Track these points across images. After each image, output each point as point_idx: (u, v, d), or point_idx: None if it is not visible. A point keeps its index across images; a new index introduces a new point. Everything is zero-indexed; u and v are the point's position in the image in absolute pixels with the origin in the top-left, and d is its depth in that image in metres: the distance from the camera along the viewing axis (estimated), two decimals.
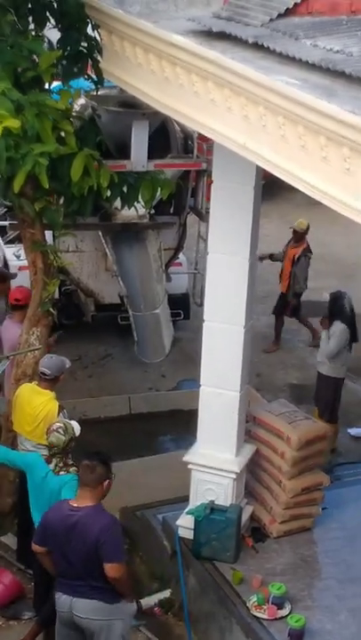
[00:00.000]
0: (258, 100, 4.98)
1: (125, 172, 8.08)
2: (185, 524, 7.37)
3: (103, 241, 10.96)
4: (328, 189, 4.63)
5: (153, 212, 10.91)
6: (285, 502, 7.45)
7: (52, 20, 7.11)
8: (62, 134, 6.90)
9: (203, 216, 10.96)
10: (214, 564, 7.19)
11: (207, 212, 9.92)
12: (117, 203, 8.02)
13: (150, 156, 9.80)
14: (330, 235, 15.80)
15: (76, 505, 5.88)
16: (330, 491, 7.76)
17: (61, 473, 6.47)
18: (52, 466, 6.52)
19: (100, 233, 10.97)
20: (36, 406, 7.31)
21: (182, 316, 11.93)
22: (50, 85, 7.10)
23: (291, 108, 4.70)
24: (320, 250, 15.10)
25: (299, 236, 12.07)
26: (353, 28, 5.35)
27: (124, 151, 9.72)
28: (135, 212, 9.32)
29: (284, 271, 12.09)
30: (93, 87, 7.55)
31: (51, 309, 7.88)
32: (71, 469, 6.45)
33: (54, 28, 7.16)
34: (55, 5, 7.01)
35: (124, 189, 7.57)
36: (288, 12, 5.56)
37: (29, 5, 6.97)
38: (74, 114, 7.55)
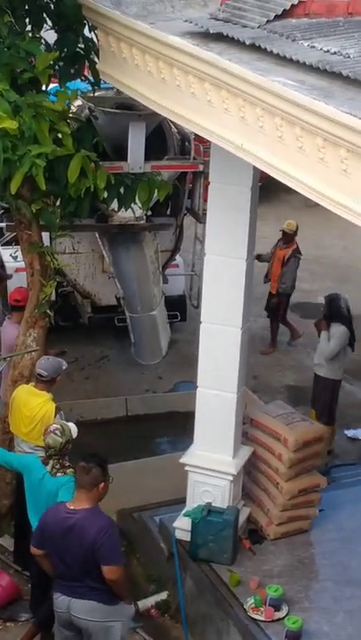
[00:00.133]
0: (255, 102, 4.98)
1: (122, 174, 8.08)
2: (182, 526, 7.37)
3: (100, 242, 10.95)
4: (325, 191, 4.63)
5: (150, 213, 10.91)
6: (282, 504, 7.45)
7: (49, 22, 7.12)
8: (59, 136, 6.90)
9: (200, 218, 10.95)
10: (211, 565, 7.18)
11: (204, 214, 9.92)
12: (114, 204, 8.00)
13: (147, 158, 9.79)
14: (326, 237, 15.83)
15: (72, 507, 5.87)
16: (327, 492, 7.75)
17: (58, 475, 6.46)
18: (48, 467, 6.51)
19: (97, 234, 10.96)
20: (33, 408, 7.30)
21: (179, 317, 11.93)
22: (47, 87, 7.10)
23: (288, 109, 4.71)
24: (316, 252, 15.15)
25: (288, 238, 12.08)
26: (350, 29, 5.35)
27: (120, 153, 9.71)
28: (132, 213, 9.34)
29: (274, 272, 12.09)
30: (90, 88, 7.57)
31: (48, 311, 7.88)
32: (68, 471, 6.44)
33: (51, 29, 7.17)
34: (52, 7, 7.03)
35: (121, 191, 7.58)
36: (285, 14, 5.55)
37: (26, 7, 6.98)
38: (71, 115, 7.54)
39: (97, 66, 7.02)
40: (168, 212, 11.52)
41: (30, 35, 6.98)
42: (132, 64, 6.32)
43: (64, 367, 7.52)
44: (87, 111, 9.96)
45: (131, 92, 6.58)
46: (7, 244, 12.04)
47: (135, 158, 9.64)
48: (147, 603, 7.44)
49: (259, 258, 12.15)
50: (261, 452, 7.58)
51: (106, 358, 11.90)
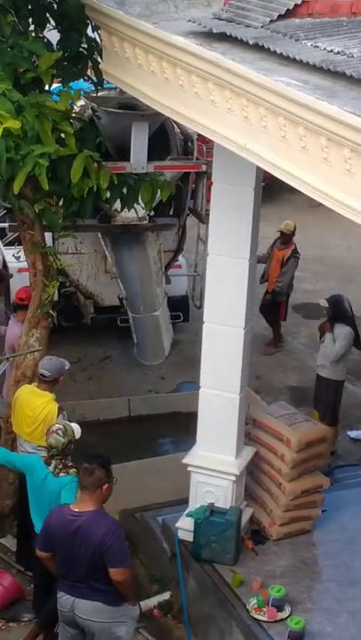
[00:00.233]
0: (258, 102, 4.98)
1: (125, 174, 8.08)
2: (185, 527, 7.36)
3: (103, 243, 10.95)
4: (329, 190, 4.62)
5: (152, 213, 10.91)
6: (285, 505, 7.44)
7: (53, 22, 7.11)
8: (62, 135, 6.90)
9: (202, 218, 10.96)
10: (214, 566, 7.17)
11: (207, 214, 9.93)
12: (117, 204, 8.00)
13: (150, 158, 9.79)
14: (330, 237, 15.83)
15: (77, 510, 5.83)
16: (330, 493, 7.74)
17: (61, 475, 6.45)
18: (51, 468, 6.51)
19: (100, 235, 10.97)
20: (36, 408, 7.30)
21: (182, 318, 11.92)
22: (50, 87, 7.09)
23: (291, 109, 4.70)
24: (319, 252, 15.14)
25: (286, 238, 12.08)
26: (353, 29, 5.35)
27: (123, 153, 9.71)
28: (135, 213, 9.32)
29: (272, 273, 12.07)
30: (93, 88, 7.57)
31: (50, 311, 7.88)
32: (70, 471, 6.44)
33: (54, 29, 7.17)
34: (55, 7, 7.02)
35: (124, 191, 7.57)
36: (288, 14, 5.55)
37: (30, 6, 6.98)
38: (74, 115, 7.54)
39: (100, 66, 7.02)
40: (171, 213, 11.53)
41: (33, 34, 6.98)
42: (136, 64, 6.31)
43: (67, 367, 7.51)
44: (90, 111, 9.98)
45: (134, 91, 6.58)
46: (10, 244, 12.06)
47: (138, 158, 9.64)
48: (149, 603, 7.43)
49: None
50: (264, 452, 7.57)
51: (108, 359, 11.89)
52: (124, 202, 7.68)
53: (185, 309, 11.98)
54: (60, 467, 6.48)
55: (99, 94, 8.77)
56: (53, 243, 8.66)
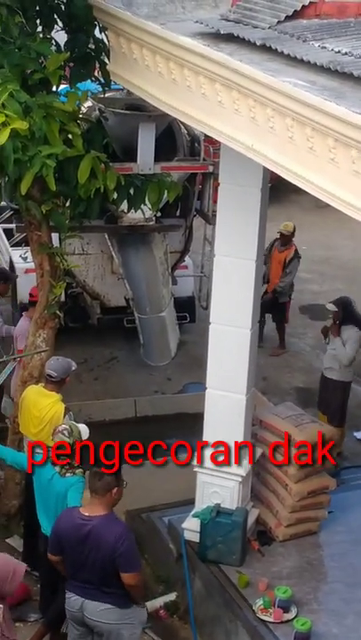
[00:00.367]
0: (266, 102, 4.97)
1: (132, 175, 8.08)
2: (191, 527, 7.36)
3: (109, 244, 10.95)
4: (336, 191, 4.62)
5: (159, 214, 10.91)
6: (291, 506, 7.43)
7: (60, 23, 7.12)
8: (69, 136, 6.90)
9: (209, 219, 10.96)
10: (220, 567, 7.17)
11: (213, 215, 9.93)
12: (124, 205, 8.00)
13: (157, 159, 9.79)
14: (337, 238, 15.81)
15: (87, 514, 5.81)
16: (336, 494, 7.73)
17: (67, 475, 6.46)
18: (57, 468, 6.51)
19: (107, 236, 10.97)
20: (42, 408, 7.31)
21: (188, 319, 11.91)
22: (57, 87, 7.10)
23: (299, 109, 4.70)
24: (326, 253, 15.14)
25: (286, 239, 12.06)
26: None
27: (130, 154, 9.72)
28: (141, 214, 9.34)
29: (274, 274, 12.04)
30: (101, 89, 7.57)
31: (57, 312, 7.89)
32: (77, 471, 6.44)
33: (62, 30, 7.18)
34: (63, 8, 7.03)
35: (131, 192, 7.57)
36: (296, 15, 5.55)
37: (37, 8, 6.98)
38: (81, 116, 7.55)
39: (107, 67, 7.02)
40: (178, 214, 11.53)
41: (41, 35, 6.99)
42: (143, 65, 6.32)
43: (73, 368, 7.52)
44: (97, 112, 9.99)
45: (141, 92, 6.59)
46: (17, 244, 12.06)
47: (145, 159, 9.64)
48: (155, 603, 7.43)
49: None
50: None
51: (115, 359, 11.90)
52: (131, 203, 7.68)
53: (191, 310, 11.98)
54: (67, 467, 6.48)
55: (106, 95, 8.78)
56: (60, 243, 8.67)
